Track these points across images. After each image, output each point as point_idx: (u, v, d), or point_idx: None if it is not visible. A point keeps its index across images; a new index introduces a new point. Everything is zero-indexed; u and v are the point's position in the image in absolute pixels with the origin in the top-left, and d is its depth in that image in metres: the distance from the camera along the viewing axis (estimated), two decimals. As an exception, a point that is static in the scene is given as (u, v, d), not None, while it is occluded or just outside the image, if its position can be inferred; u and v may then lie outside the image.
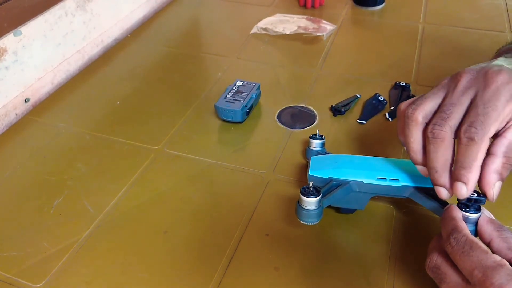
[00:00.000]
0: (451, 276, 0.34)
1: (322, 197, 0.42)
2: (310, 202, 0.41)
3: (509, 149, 0.36)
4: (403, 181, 0.43)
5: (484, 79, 0.37)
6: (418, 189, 0.43)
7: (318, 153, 0.52)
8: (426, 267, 0.37)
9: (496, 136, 0.37)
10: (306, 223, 0.42)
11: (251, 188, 0.52)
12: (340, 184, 0.44)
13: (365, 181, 0.43)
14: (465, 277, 0.33)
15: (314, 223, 0.42)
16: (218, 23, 0.89)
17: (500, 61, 0.42)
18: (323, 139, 0.53)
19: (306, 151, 0.54)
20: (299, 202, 0.42)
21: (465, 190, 0.37)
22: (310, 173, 0.46)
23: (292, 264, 0.44)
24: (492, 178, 0.37)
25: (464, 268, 0.33)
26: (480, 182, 0.37)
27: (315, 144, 0.53)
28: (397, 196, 0.44)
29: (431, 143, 0.37)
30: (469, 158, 0.36)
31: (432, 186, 0.42)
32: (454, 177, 0.37)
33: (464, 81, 0.38)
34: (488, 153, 0.37)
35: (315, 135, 0.53)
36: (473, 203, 0.37)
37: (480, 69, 0.39)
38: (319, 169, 0.46)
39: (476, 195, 0.37)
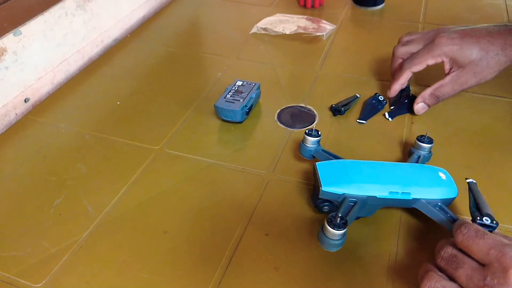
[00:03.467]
0: (468, 261, 0.35)
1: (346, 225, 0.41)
2: (337, 234, 0.40)
3: (439, 86, 0.58)
4: (414, 194, 0.43)
5: (432, 38, 0.58)
6: (428, 201, 0.43)
7: (314, 150, 0.51)
8: (439, 259, 0.37)
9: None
10: (329, 251, 0.42)
11: (251, 188, 0.52)
12: (355, 201, 0.44)
13: (378, 195, 0.44)
14: (479, 260, 0.34)
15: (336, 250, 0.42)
16: (218, 23, 0.89)
17: None
18: (319, 136, 0.51)
19: (300, 147, 0.52)
20: (324, 232, 0.41)
21: (388, 92, 0.63)
22: (323, 189, 0.44)
23: (292, 264, 0.44)
24: (418, 100, 0.60)
25: (478, 250, 0.34)
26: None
27: (311, 142, 0.51)
28: (406, 206, 0.45)
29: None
30: (397, 76, 0.61)
31: (440, 198, 0.43)
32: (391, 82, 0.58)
33: (428, 35, 0.61)
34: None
35: (311, 130, 0.51)
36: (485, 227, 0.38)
37: (437, 31, 0.59)
38: (331, 184, 0.44)
39: (489, 221, 0.38)
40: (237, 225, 0.47)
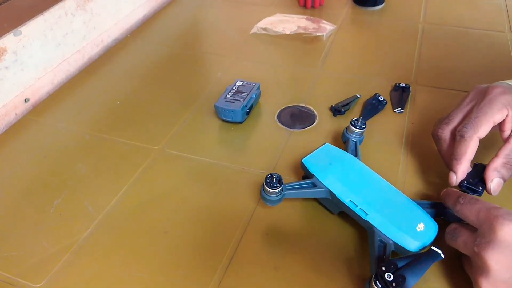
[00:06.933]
0: (464, 230, 0.39)
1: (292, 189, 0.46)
2: (274, 192, 0.44)
3: (510, 152, 0.44)
4: (371, 218, 0.43)
5: (484, 92, 0.46)
6: (377, 230, 0.42)
7: (354, 141, 0.53)
8: (446, 235, 0.41)
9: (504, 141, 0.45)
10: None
11: (251, 188, 0.52)
12: (316, 184, 0.46)
13: (338, 195, 0.44)
14: (473, 226, 0.38)
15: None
16: (218, 23, 0.89)
17: (510, 81, 0.48)
18: (363, 128, 0.53)
19: (343, 134, 0.55)
20: (264, 191, 0.45)
21: (454, 179, 0.45)
22: (303, 160, 0.48)
23: (292, 264, 0.44)
24: (491, 175, 0.44)
25: (471, 215, 0.38)
26: (484, 177, 0.44)
27: (355, 132, 0.53)
28: (362, 225, 0.44)
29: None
30: (460, 152, 0.45)
31: (394, 240, 0.41)
32: (448, 167, 0.46)
33: (470, 96, 0.48)
34: (495, 155, 0.44)
35: (357, 120, 0.53)
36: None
37: (486, 85, 0.47)
38: (313, 161, 0.48)
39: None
40: (238, 225, 0.47)
